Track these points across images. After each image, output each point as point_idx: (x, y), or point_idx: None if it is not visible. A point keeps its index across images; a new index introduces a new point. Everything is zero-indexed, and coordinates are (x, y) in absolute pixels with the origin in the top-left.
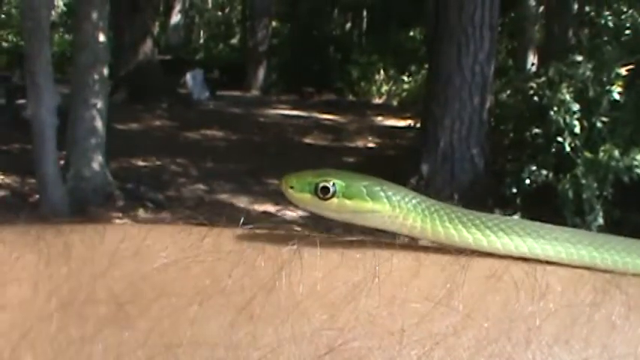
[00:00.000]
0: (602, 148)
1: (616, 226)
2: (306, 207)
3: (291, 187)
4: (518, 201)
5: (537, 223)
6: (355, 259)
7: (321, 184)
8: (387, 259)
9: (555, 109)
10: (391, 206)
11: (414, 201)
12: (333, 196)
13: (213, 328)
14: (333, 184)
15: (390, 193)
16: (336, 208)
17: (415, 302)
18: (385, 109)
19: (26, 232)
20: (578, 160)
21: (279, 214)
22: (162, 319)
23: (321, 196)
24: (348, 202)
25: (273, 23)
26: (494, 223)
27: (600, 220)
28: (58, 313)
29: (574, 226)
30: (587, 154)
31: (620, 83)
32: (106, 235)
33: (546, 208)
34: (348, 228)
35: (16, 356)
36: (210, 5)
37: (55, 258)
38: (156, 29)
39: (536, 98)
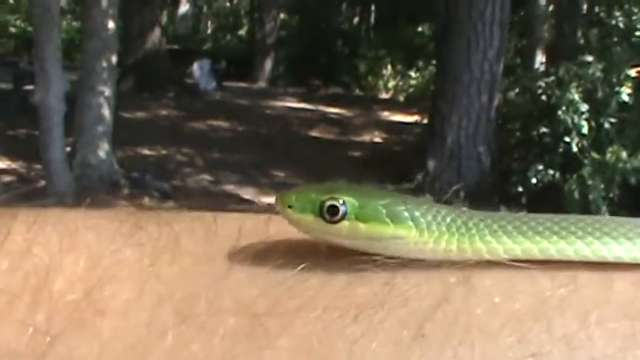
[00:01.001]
0: (610, 149)
1: None
2: (308, 231)
3: (290, 207)
4: (523, 200)
5: (587, 218)
6: (531, 268)
7: (328, 203)
8: (570, 268)
9: (564, 108)
10: (418, 230)
11: (447, 219)
12: (343, 218)
13: (377, 349)
14: (343, 202)
15: (416, 214)
16: (348, 233)
17: (613, 321)
18: (392, 104)
19: (120, 219)
20: (585, 161)
21: None
22: (310, 337)
23: (329, 218)
24: (362, 225)
25: (281, 15)
26: (562, 226)
27: None
28: (173, 324)
29: None
30: (595, 155)
31: (629, 84)
32: (217, 226)
33: (552, 208)
34: None
35: None
36: None
37: (161, 254)
38: (164, 19)
39: (544, 97)
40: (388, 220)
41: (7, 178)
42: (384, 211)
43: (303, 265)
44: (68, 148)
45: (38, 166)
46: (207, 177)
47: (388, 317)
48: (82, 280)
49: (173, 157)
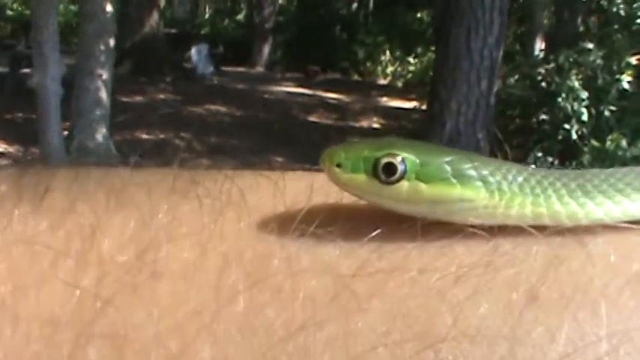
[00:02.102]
0: (610, 137)
1: None
2: (360, 194)
3: (339, 165)
4: None
5: None
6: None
7: (385, 161)
8: None
9: (563, 96)
10: (488, 191)
11: (519, 178)
12: (401, 178)
13: (485, 314)
14: (402, 160)
15: (485, 172)
16: (407, 196)
17: None
18: (390, 90)
19: (172, 174)
20: (585, 149)
21: None
22: (406, 300)
23: (385, 178)
24: (424, 186)
25: (280, 0)
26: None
27: None
28: (243, 287)
29: None
30: (594, 143)
31: (629, 72)
32: (286, 182)
33: None
34: None
35: (187, 342)
36: None
37: (224, 210)
38: (162, 2)
39: (544, 84)
40: (454, 181)
41: (4, 162)
42: (449, 169)
43: (384, 227)
44: (65, 132)
45: (35, 150)
46: (205, 161)
47: (495, 278)
48: (134, 241)
49: (171, 141)
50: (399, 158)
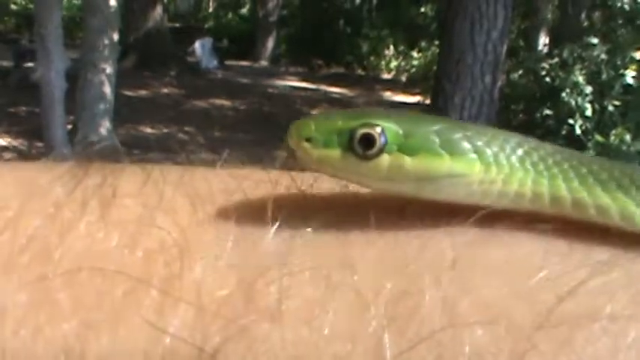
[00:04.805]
0: (614, 131)
1: None
2: (334, 172)
3: (309, 140)
4: None
5: None
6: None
7: (362, 132)
8: None
9: (567, 90)
10: (484, 165)
11: (519, 151)
12: (382, 151)
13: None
14: (382, 130)
15: (479, 143)
16: (389, 171)
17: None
18: (394, 85)
19: (270, 179)
20: (589, 144)
21: None
22: (601, 356)
23: (362, 152)
24: (408, 160)
25: None
26: None
27: None
28: (390, 336)
29: None
30: (598, 138)
31: (634, 67)
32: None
33: None
34: None
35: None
36: None
37: (353, 231)
38: None
39: (548, 79)
40: (443, 152)
41: (8, 156)
42: (437, 139)
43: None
44: (69, 126)
45: (39, 144)
46: (209, 155)
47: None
48: (236, 267)
49: (175, 135)
50: (378, 129)
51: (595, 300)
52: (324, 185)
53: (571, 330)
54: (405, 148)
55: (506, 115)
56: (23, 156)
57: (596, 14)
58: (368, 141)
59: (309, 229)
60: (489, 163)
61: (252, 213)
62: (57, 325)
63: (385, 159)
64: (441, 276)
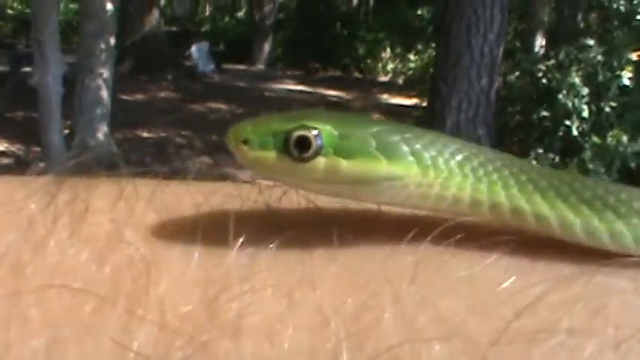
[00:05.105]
0: (610, 133)
1: None
2: (271, 174)
3: (246, 142)
4: None
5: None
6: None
7: (297, 134)
8: None
9: (564, 92)
10: (421, 168)
11: (459, 156)
12: (317, 153)
13: None
14: (318, 133)
15: (418, 146)
16: (325, 174)
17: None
18: (391, 87)
19: (241, 194)
20: (586, 145)
21: None
22: None
23: (298, 154)
24: (344, 163)
25: None
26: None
27: None
28: (347, 353)
29: None
30: (595, 139)
31: (630, 68)
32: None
33: None
34: None
35: None
36: None
37: (319, 248)
38: (162, 0)
39: (544, 81)
40: (380, 155)
41: (6, 161)
42: (373, 142)
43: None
44: (66, 131)
45: (37, 149)
46: (206, 159)
47: None
48: (200, 283)
49: (172, 139)
50: (314, 131)
51: (553, 315)
52: (292, 200)
53: (528, 345)
54: (342, 151)
55: (503, 117)
56: (21, 161)
57: (593, 16)
58: (303, 143)
59: (272, 245)
60: (427, 166)
61: (218, 228)
62: (27, 341)
63: (321, 162)
64: (401, 292)
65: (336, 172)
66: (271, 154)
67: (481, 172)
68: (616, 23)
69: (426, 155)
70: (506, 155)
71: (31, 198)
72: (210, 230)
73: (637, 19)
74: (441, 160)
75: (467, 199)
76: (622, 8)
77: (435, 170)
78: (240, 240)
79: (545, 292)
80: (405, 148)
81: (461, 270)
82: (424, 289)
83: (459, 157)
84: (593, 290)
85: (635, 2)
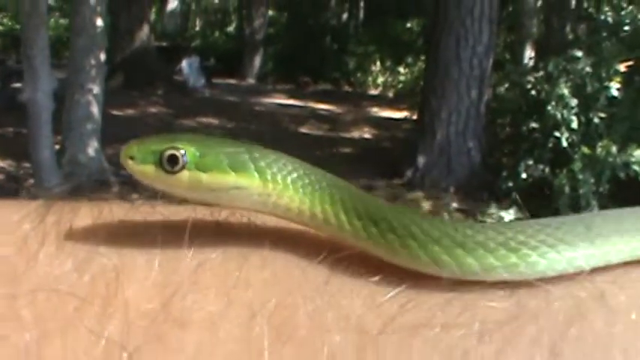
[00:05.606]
0: (600, 143)
1: None
2: (151, 184)
3: (131, 158)
4: (514, 195)
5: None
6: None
7: (168, 153)
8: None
9: (553, 103)
10: (262, 180)
11: (295, 174)
12: (183, 167)
13: None
14: (184, 152)
15: (262, 164)
16: (189, 184)
17: None
18: (381, 100)
19: (199, 215)
20: (575, 156)
21: None
22: (432, 356)
23: (169, 168)
24: (203, 175)
25: (270, 12)
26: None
27: None
28: (269, 340)
29: None
30: (585, 150)
31: (618, 79)
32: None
33: (542, 202)
34: None
35: None
36: None
37: (249, 256)
38: (152, 15)
39: (534, 92)
40: (230, 170)
41: None
42: (225, 159)
43: (403, 286)
44: (57, 146)
45: (27, 165)
46: None
47: (519, 336)
48: (159, 287)
49: None
50: (181, 151)
51: (431, 313)
52: (236, 219)
53: (410, 334)
54: (201, 166)
55: (492, 129)
56: (11, 177)
57: (581, 27)
58: (173, 160)
59: (215, 255)
60: (267, 180)
61: (175, 241)
62: (21, 333)
63: (186, 174)
64: (315, 294)
65: (197, 182)
66: (150, 168)
67: (308, 189)
68: (604, 34)
69: (268, 171)
70: (333, 178)
71: (25, 219)
72: (168, 243)
73: (625, 30)
74: (279, 177)
75: (295, 209)
76: (610, 20)
77: (273, 184)
78: (192, 251)
79: (423, 295)
80: (251, 165)
81: (362, 278)
82: (333, 292)
83: (293, 175)
84: (463, 292)
85: (622, 14)
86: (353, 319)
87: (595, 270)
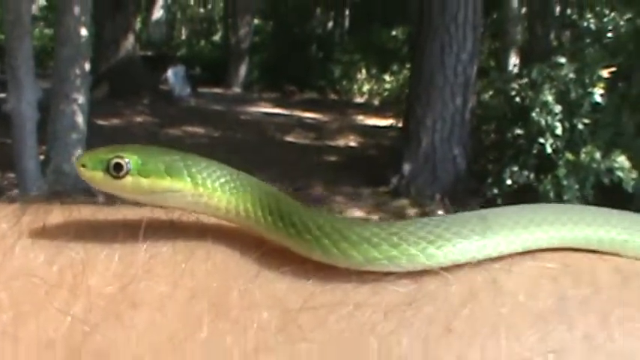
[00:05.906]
0: (584, 149)
1: None
2: (99, 187)
3: (83, 166)
4: (499, 202)
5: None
6: (554, 269)
7: (114, 161)
8: (589, 271)
9: (537, 110)
10: (193, 184)
11: (222, 179)
12: (127, 173)
13: (406, 345)
14: (128, 160)
15: (193, 170)
16: (132, 187)
17: (632, 321)
18: (367, 108)
19: (151, 216)
20: (560, 162)
21: None
22: (343, 332)
23: (115, 174)
24: (144, 180)
25: (255, 21)
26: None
27: None
28: (208, 317)
29: None
30: (569, 156)
31: (601, 85)
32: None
33: None
34: None
35: None
36: (192, 1)
37: (195, 250)
38: (137, 25)
39: (518, 99)
40: (166, 175)
41: None
42: (162, 166)
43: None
44: (42, 156)
45: (11, 175)
46: None
47: (417, 314)
48: (117, 275)
49: None
50: (126, 159)
51: (345, 293)
52: (188, 218)
53: (327, 311)
54: (142, 172)
55: (477, 136)
56: None
57: (565, 34)
58: (119, 167)
59: (166, 248)
60: (198, 184)
61: (132, 237)
62: None
63: (129, 179)
64: (248, 279)
65: (139, 186)
66: (99, 174)
67: (235, 191)
68: (587, 41)
69: (199, 176)
70: (256, 181)
71: (3, 219)
72: (127, 238)
73: (607, 37)
74: (208, 181)
75: (223, 208)
76: (593, 26)
77: (204, 187)
78: (146, 245)
79: (338, 281)
80: (185, 171)
81: (287, 267)
82: (263, 278)
83: (221, 180)
84: (374, 280)
85: (605, 20)
86: (278, 298)
87: (492, 260)
